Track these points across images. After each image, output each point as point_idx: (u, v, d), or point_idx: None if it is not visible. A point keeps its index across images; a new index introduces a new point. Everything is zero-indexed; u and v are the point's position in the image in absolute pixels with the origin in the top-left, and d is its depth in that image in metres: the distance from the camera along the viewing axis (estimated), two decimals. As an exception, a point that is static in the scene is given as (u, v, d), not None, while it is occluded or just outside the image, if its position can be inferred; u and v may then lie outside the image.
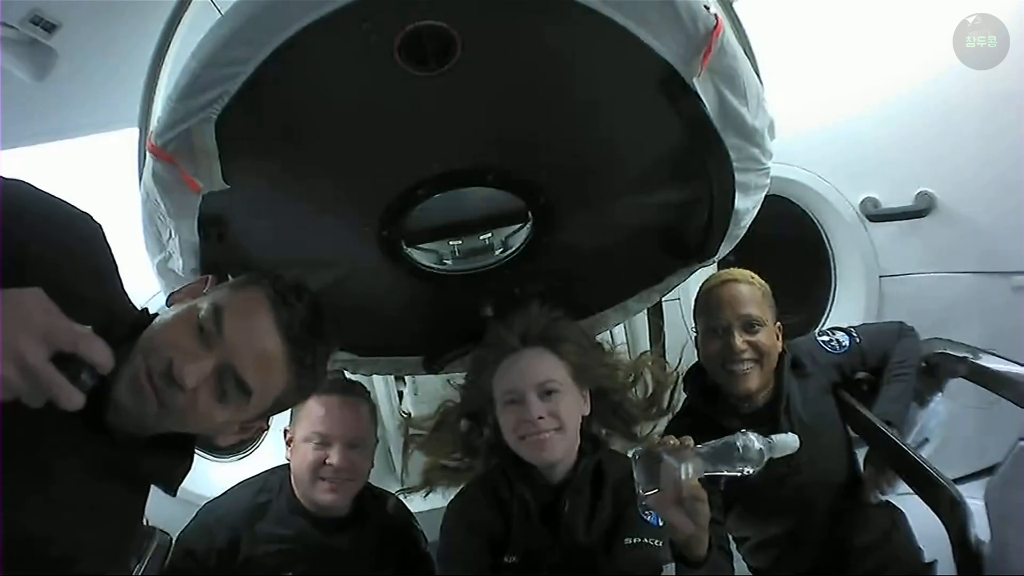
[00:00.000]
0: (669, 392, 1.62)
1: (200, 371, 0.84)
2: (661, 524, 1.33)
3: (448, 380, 1.74)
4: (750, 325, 1.57)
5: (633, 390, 1.60)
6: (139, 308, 0.98)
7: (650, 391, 1.63)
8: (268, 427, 1.06)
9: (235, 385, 0.87)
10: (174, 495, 0.98)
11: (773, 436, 1.13)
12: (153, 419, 0.86)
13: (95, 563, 0.90)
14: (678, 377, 1.66)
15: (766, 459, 1.12)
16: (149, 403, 0.83)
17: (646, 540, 1.35)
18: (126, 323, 0.90)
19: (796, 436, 1.13)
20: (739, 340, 1.56)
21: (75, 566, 0.87)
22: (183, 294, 0.97)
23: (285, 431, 1.63)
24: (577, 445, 1.44)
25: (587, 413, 1.46)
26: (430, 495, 1.64)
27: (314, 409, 1.54)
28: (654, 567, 1.34)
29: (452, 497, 1.53)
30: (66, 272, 0.86)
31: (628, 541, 1.35)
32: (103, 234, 0.96)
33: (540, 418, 1.35)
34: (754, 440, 1.11)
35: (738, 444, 1.11)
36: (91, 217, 0.95)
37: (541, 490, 1.42)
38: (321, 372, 0.99)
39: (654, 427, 1.65)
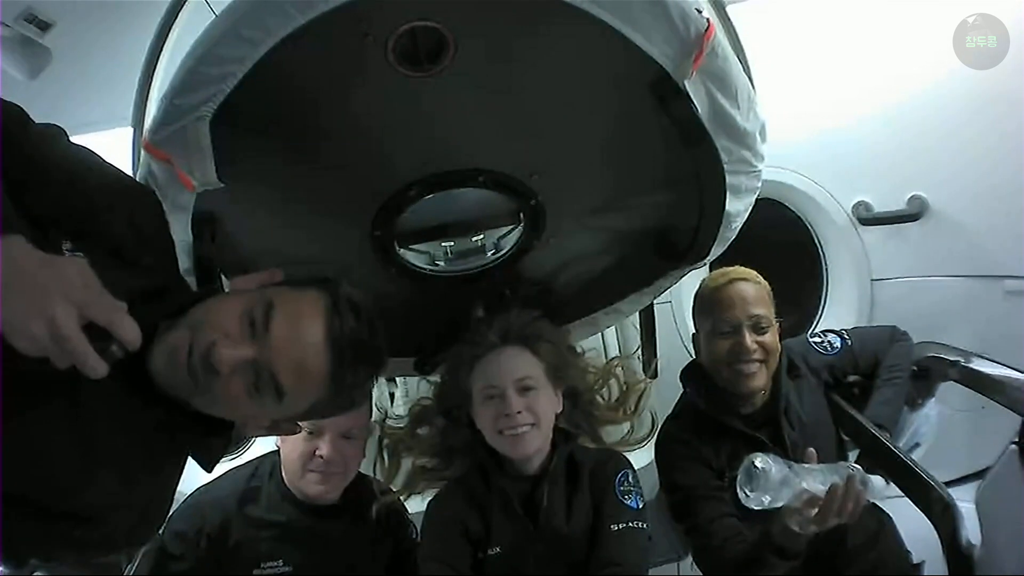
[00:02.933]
0: (637, 397, 1.66)
1: (236, 359, 0.83)
2: (640, 507, 1.44)
3: (426, 379, 1.75)
4: (759, 325, 1.58)
5: (602, 394, 1.65)
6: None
7: (617, 396, 1.67)
8: (299, 430, 1.04)
9: (270, 384, 0.86)
10: (210, 471, 0.99)
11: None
12: (183, 391, 0.86)
13: (123, 522, 0.91)
14: (647, 384, 1.70)
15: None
16: (181, 376, 0.84)
17: (630, 523, 1.42)
18: (178, 296, 0.90)
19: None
20: (749, 340, 1.56)
21: (103, 524, 0.89)
22: (247, 281, 0.96)
23: None
24: (550, 440, 1.48)
25: (559, 411, 1.50)
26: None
27: None
28: (642, 547, 1.42)
29: (430, 499, 1.55)
30: (122, 239, 0.88)
31: (614, 528, 1.41)
32: (161, 209, 1.00)
33: (518, 412, 1.39)
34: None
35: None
36: (153, 192, 0.99)
37: (518, 482, 1.47)
38: (360, 395, 0.99)
39: (631, 429, 1.66)
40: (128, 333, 0.73)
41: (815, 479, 1.25)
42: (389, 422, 1.72)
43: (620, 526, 1.41)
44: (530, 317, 1.51)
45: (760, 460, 1.24)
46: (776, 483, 1.22)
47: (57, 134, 0.93)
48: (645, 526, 1.44)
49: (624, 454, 1.57)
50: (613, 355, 2.01)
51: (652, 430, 1.73)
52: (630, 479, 1.48)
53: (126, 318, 0.73)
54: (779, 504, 1.25)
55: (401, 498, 1.64)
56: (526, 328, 1.49)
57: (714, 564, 1.54)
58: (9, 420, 0.78)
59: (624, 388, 1.67)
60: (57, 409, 0.82)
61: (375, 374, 0.98)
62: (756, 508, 1.25)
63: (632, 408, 1.66)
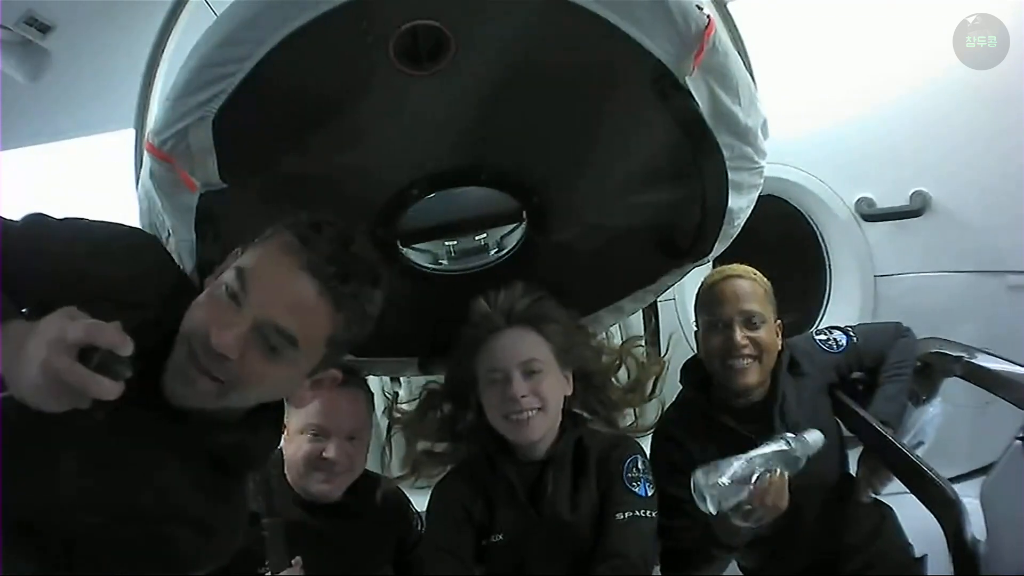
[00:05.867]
0: (653, 380, 1.63)
1: (237, 335, 0.83)
2: (650, 495, 1.40)
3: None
4: (751, 321, 1.57)
5: (616, 376, 1.61)
6: None
7: (633, 377, 1.63)
8: (340, 377, 1.03)
9: (279, 337, 0.86)
10: (254, 470, 1.03)
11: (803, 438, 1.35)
12: (214, 399, 0.87)
13: (192, 542, 0.93)
14: (664, 367, 1.67)
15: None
16: (200, 382, 0.84)
17: (637, 512, 1.38)
18: (179, 314, 0.90)
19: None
20: (740, 335, 1.56)
21: (170, 549, 0.92)
22: (216, 273, 0.95)
23: None
24: (558, 424, 1.45)
25: (569, 394, 1.47)
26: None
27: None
28: (649, 537, 1.39)
29: (434, 483, 1.53)
30: (117, 293, 0.88)
31: (620, 516, 1.37)
32: (160, 250, 1.01)
33: (523, 396, 1.36)
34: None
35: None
36: (140, 231, 1.01)
37: (524, 468, 1.44)
38: (372, 307, 0.95)
39: (636, 416, 1.65)
40: (110, 337, 0.72)
41: (759, 464, 1.31)
42: (399, 405, 1.70)
43: (626, 515, 1.37)
44: (536, 297, 1.46)
45: (700, 475, 1.31)
46: (720, 491, 1.29)
47: (33, 222, 0.93)
48: (653, 515, 1.40)
49: (635, 440, 1.54)
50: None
51: (658, 419, 1.71)
52: (639, 465, 1.44)
53: (104, 326, 0.72)
54: (732, 505, 1.30)
55: (406, 485, 1.61)
56: (532, 308, 1.44)
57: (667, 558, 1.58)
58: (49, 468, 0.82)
59: (640, 370, 1.63)
60: (109, 459, 0.86)
61: (374, 278, 0.95)
62: (715, 511, 1.31)
63: (647, 393, 1.62)
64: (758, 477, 1.29)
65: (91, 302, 0.76)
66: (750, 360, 1.56)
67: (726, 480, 1.29)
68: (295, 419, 1.54)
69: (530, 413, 1.36)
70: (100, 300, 0.79)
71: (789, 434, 1.36)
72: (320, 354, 0.92)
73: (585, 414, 1.57)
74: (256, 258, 0.89)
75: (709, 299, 1.63)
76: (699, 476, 1.30)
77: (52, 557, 0.84)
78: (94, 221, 0.96)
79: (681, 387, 1.74)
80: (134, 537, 0.89)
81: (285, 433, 1.57)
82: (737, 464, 1.31)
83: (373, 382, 2.23)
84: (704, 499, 1.29)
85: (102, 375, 0.70)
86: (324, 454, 1.49)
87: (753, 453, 1.33)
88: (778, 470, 1.31)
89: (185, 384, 0.85)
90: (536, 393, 1.37)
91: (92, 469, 0.85)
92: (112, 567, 0.89)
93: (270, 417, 1.00)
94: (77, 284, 0.84)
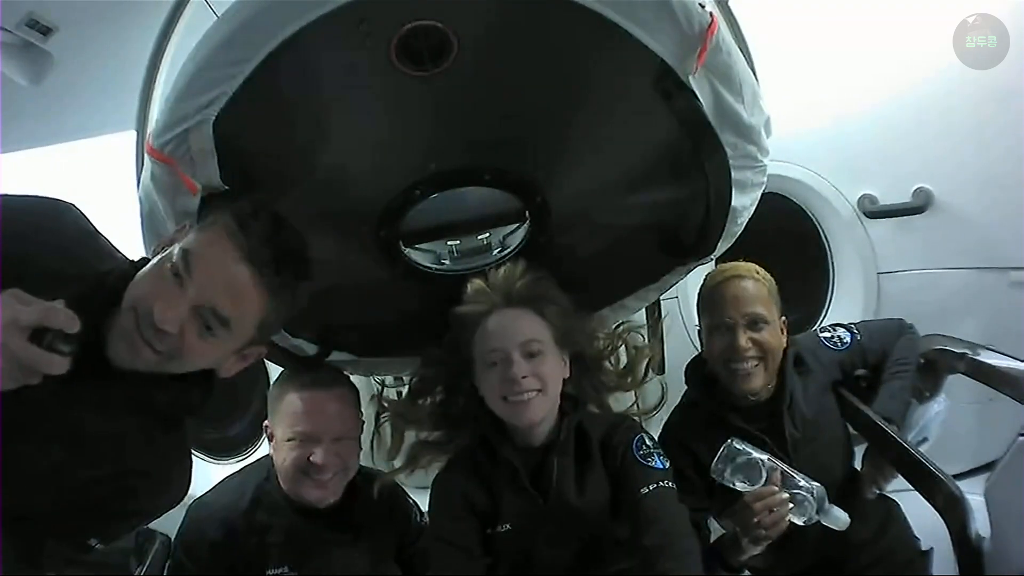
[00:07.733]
0: (645, 364, 1.62)
1: (177, 314, 0.92)
2: (666, 467, 1.40)
3: None
4: (754, 323, 1.56)
5: (610, 360, 1.60)
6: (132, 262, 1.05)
7: (626, 362, 1.62)
8: (265, 352, 1.12)
9: (214, 319, 0.95)
10: (199, 415, 1.09)
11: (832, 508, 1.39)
12: (154, 367, 0.95)
13: (147, 493, 1.03)
14: (662, 350, 1.68)
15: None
16: (144, 352, 0.92)
17: (661, 483, 1.36)
18: (116, 281, 0.97)
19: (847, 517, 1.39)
20: (743, 338, 1.54)
21: (130, 500, 1.01)
22: (163, 244, 1.02)
23: (265, 426, 1.58)
24: (557, 407, 1.43)
25: (567, 377, 1.45)
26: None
27: (294, 405, 1.48)
28: (677, 504, 1.37)
29: (435, 475, 1.52)
30: (41, 257, 0.95)
31: (645, 490, 1.35)
32: (72, 210, 1.07)
33: (524, 377, 1.33)
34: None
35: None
36: (59, 201, 1.05)
37: (526, 454, 1.42)
38: (302, 294, 1.05)
39: (635, 402, 1.65)
40: (62, 320, 0.78)
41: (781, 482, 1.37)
42: (387, 392, 1.68)
43: (651, 487, 1.34)
44: (535, 277, 1.44)
45: (738, 443, 1.39)
46: (746, 468, 1.38)
47: None
48: (673, 485, 1.37)
49: (635, 419, 1.54)
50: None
51: (661, 401, 1.70)
52: (647, 442, 1.43)
53: (56, 309, 0.79)
54: (743, 487, 1.38)
55: (404, 478, 1.59)
56: (531, 288, 1.42)
57: None
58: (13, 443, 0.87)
59: (633, 354, 1.62)
60: (55, 429, 0.92)
61: (302, 264, 1.05)
62: (730, 486, 1.39)
63: (639, 377, 1.60)
64: (767, 474, 1.36)
65: (29, 281, 0.82)
66: (754, 363, 1.55)
67: (757, 456, 1.37)
68: (280, 426, 1.51)
69: (530, 395, 1.34)
70: (37, 277, 0.85)
71: (820, 486, 1.39)
72: (249, 335, 1.01)
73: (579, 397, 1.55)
74: (201, 243, 0.97)
75: (711, 301, 1.62)
76: (736, 442, 1.39)
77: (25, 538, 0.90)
78: (9, 198, 1.01)
79: (686, 387, 1.74)
80: (95, 500, 0.96)
81: (272, 442, 1.55)
82: (770, 463, 1.38)
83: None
84: (721, 456, 1.39)
85: (53, 353, 0.77)
86: (312, 458, 1.46)
87: (789, 471, 1.39)
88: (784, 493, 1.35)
89: (130, 350, 0.93)
90: (536, 375, 1.35)
91: (50, 443, 0.91)
92: (77, 530, 0.97)
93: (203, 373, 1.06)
94: (11, 267, 0.89)
